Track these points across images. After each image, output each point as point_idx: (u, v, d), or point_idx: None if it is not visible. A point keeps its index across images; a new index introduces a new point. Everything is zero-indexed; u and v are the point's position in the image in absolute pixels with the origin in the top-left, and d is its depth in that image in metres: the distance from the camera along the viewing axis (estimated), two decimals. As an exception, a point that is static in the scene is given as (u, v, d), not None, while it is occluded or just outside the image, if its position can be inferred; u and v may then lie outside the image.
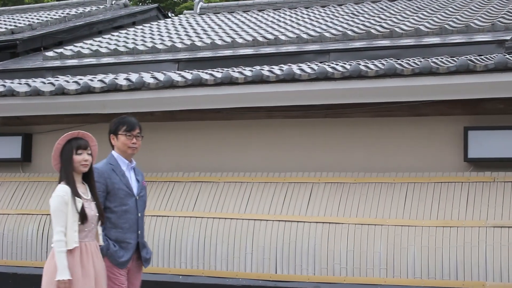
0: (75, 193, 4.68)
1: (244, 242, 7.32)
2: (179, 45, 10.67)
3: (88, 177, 4.89)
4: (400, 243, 6.80)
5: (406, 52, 8.76)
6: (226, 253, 7.38)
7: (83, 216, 4.65)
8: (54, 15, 15.10)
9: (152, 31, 12.77)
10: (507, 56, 6.88)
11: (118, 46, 11.23)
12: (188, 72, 8.23)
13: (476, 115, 7.23)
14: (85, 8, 15.87)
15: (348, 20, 11.61)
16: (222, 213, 7.56)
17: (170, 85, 7.60)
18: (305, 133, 7.87)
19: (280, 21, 12.51)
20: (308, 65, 7.89)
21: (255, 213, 7.45)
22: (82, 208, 4.66)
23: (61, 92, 7.97)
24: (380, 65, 7.16)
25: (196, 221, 7.59)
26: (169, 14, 19.33)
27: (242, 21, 13.00)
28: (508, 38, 8.47)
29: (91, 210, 4.76)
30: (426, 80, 6.79)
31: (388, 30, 9.77)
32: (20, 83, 8.52)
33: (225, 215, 7.50)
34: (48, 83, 8.32)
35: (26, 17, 15.29)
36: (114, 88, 7.82)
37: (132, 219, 5.12)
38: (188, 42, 10.82)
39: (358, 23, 10.95)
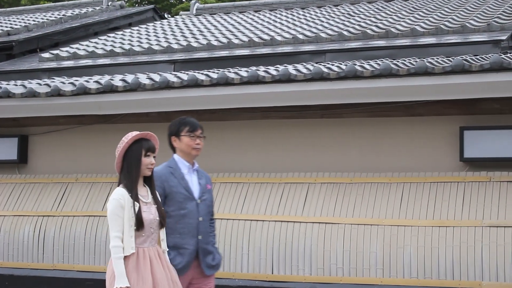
0: (135, 197, 4.44)
1: (241, 243, 7.32)
2: (175, 46, 10.68)
3: (149, 180, 4.65)
4: (396, 243, 6.80)
5: (401, 52, 8.77)
6: (222, 254, 7.37)
7: (139, 222, 4.41)
8: (50, 17, 15.09)
9: (148, 32, 12.77)
10: (503, 56, 6.89)
11: (114, 47, 11.22)
12: (184, 73, 8.24)
13: (472, 115, 7.24)
14: (81, 10, 15.86)
15: (344, 20, 11.62)
16: (218, 214, 7.54)
17: (166, 86, 7.60)
18: (301, 134, 7.87)
19: (276, 21, 12.52)
20: (304, 66, 7.90)
21: (251, 213, 7.44)
22: (139, 212, 4.43)
23: (57, 93, 7.97)
24: (375, 65, 7.16)
25: (193, 222, 7.57)
26: (165, 15, 19.32)
27: (238, 22, 13.01)
28: (503, 38, 8.48)
29: (150, 214, 4.51)
30: (422, 80, 6.79)
31: (384, 31, 9.78)
32: (16, 85, 8.51)
33: (221, 215, 7.49)
34: (44, 84, 8.32)
35: (22, 19, 15.28)
36: (110, 89, 7.82)
37: (191, 223, 4.89)
38: (184, 43, 10.83)
39: (354, 24, 10.96)
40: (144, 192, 4.59)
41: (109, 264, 4.47)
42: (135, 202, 4.43)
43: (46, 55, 11.34)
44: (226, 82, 7.39)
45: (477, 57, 7.40)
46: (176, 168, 4.97)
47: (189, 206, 4.90)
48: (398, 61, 7.51)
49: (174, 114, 8.01)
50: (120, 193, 4.45)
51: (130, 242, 4.39)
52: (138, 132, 4.64)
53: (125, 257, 4.37)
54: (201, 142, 5.02)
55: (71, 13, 15.32)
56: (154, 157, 4.62)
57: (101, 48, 11.30)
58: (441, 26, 9.44)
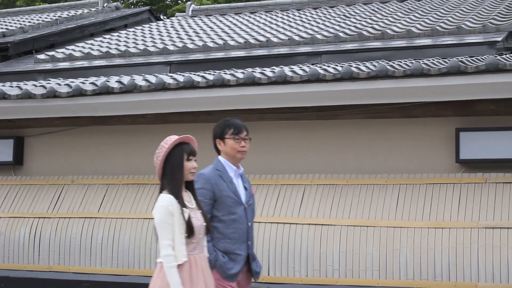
0: (182, 203, 4.30)
1: (237, 244, 7.30)
2: (171, 48, 10.67)
3: (190, 185, 4.49)
4: (393, 245, 6.81)
5: (397, 53, 8.78)
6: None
7: (190, 228, 4.27)
8: (46, 18, 15.07)
9: (144, 33, 12.76)
10: (498, 57, 6.90)
11: (110, 48, 11.21)
12: (180, 75, 8.23)
13: (468, 116, 7.25)
14: (76, 11, 15.84)
15: (339, 22, 11.63)
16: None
17: (162, 87, 7.59)
18: (297, 135, 7.87)
19: (272, 23, 12.52)
20: (300, 67, 7.90)
21: (247, 215, 7.43)
22: (189, 219, 4.29)
23: (53, 95, 7.96)
24: (371, 67, 7.17)
25: (189, 224, 7.57)
26: (161, 17, 19.32)
27: (234, 24, 13.01)
28: (499, 39, 8.49)
29: (198, 220, 4.37)
30: (418, 81, 6.80)
31: (380, 32, 9.79)
32: (12, 86, 8.50)
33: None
34: (39, 86, 8.31)
35: (18, 20, 15.26)
36: (106, 91, 7.81)
37: (241, 229, 4.76)
38: (180, 45, 10.82)
39: (350, 25, 10.96)
40: (187, 197, 4.44)
41: (155, 275, 4.32)
42: (184, 208, 4.29)
43: (41, 56, 11.33)
44: (222, 84, 7.39)
45: (473, 58, 7.42)
46: (223, 171, 4.82)
47: (239, 211, 4.77)
48: (394, 63, 7.52)
49: (170, 115, 8.03)
50: (168, 200, 4.28)
51: (182, 250, 4.24)
52: (177, 136, 4.45)
53: (178, 266, 4.22)
54: (246, 145, 4.87)
55: (67, 15, 15.30)
56: (195, 160, 4.47)
57: (97, 50, 11.29)
58: (437, 27, 9.45)
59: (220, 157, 4.91)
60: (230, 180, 4.79)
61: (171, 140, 4.42)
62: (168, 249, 4.22)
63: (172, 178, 4.36)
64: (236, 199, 4.80)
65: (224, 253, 4.72)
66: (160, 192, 4.39)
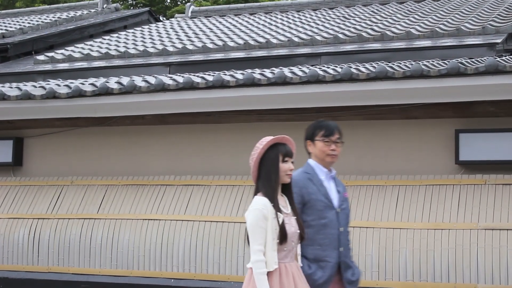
0: (277, 207, 4.09)
1: (236, 246, 7.31)
2: (171, 49, 10.67)
3: (286, 188, 4.27)
4: (392, 246, 6.80)
5: (397, 55, 8.78)
6: (218, 257, 7.37)
7: (283, 234, 4.06)
8: (45, 19, 15.07)
9: (144, 34, 12.76)
10: (498, 59, 6.90)
11: (109, 50, 11.22)
12: (179, 76, 8.23)
13: (467, 117, 7.25)
14: (76, 12, 15.84)
15: (339, 23, 11.63)
16: (213, 217, 7.56)
17: (162, 88, 7.59)
18: (296, 136, 7.85)
19: (271, 24, 12.52)
20: (300, 68, 7.90)
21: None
22: (283, 224, 4.07)
23: (52, 96, 7.95)
24: (371, 68, 7.17)
25: (188, 225, 7.58)
26: (161, 18, 19.31)
27: (233, 25, 13.01)
28: (498, 41, 8.50)
29: (292, 226, 4.15)
30: (417, 83, 6.80)
31: (379, 33, 9.79)
32: (11, 87, 8.49)
33: (217, 218, 7.49)
34: (39, 87, 8.30)
35: (17, 21, 15.26)
36: (105, 92, 7.80)
37: (332, 234, 4.48)
38: (180, 46, 10.82)
39: (349, 26, 10.97)
40: (282, 202, 4.23)
41: (247, 281, 4.15)
42: (278, 213, 4.09)
43: (41, 57, 11.33)
44: (221, 85, 7.39)
45: (472, 60, 7.41)
46: (313, 174, 4.57)
47: (329, 215, 4.49)
48: (393, 64, 7.52)
49: (170, 116, 8.03)
50: (262, 203, 4.07)
51: (273, 256, 4.04)
52: (273, 137, 4.30)
53: (268, 273, 4.01)
54: (337, 148, 4.64)
55: (66, 16, 15.30)
56: (292, 162, 4.26)
57: (96, 51, 11.29)
58: (436, 29, 9.46)
59: (310, 160, 4.67)
60: (321, 183, 4.56)
61: (266, 140, 4.27)
62: (259, 254, 4.02)
63: (267, 180, 4.16)
64: (327, 203, 4.54)
65: (314, 260, 4.46)
66: (255, 194, 4.19)
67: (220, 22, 13.61)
